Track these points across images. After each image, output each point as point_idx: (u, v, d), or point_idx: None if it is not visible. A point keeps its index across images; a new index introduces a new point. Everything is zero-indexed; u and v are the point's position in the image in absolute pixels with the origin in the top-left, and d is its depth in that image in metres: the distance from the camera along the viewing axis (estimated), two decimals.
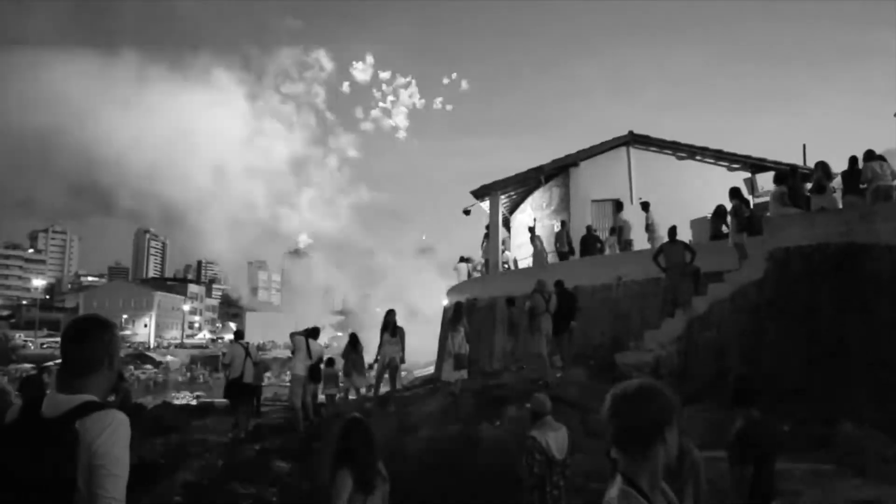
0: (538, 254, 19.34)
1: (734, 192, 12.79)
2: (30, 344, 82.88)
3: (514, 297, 15.08)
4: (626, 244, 17.33)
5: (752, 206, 14.18)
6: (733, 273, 11.55)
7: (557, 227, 19.83)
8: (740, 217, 12.11)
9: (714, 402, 8.56)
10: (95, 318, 2.37)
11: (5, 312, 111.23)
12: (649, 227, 16.28)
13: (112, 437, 2.06)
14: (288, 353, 13.51)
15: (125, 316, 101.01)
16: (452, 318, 12.44)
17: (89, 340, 2.26)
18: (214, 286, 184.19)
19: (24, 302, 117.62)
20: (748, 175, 19.54)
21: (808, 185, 12.10)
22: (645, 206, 16.75)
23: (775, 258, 10.73)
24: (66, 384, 2.19)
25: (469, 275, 24.69)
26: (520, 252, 23.26)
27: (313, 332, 12.57)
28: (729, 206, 12.75)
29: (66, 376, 2.22)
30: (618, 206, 18.37)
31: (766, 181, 16.95)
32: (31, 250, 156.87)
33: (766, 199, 14.41)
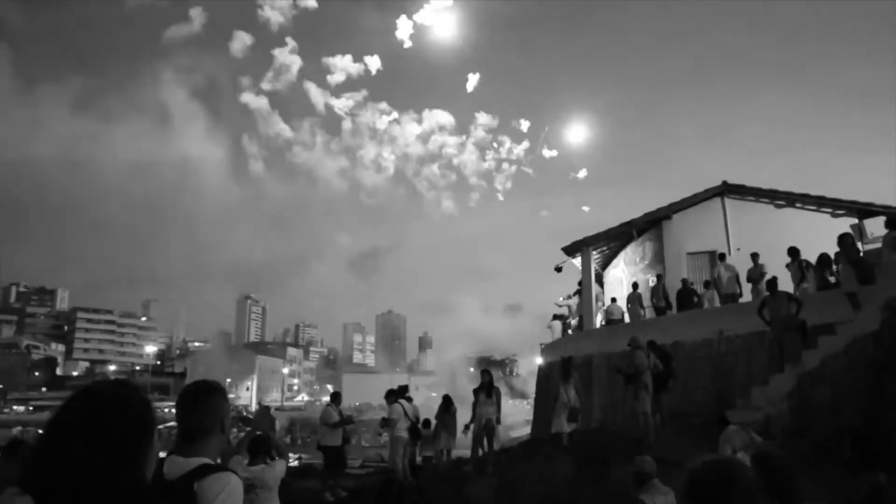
0: (632, 309, 18.95)
1: (843, 239, 12.20)
2: None
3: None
4: (727, 297, 16.67)
5: (861, 254, 13.43)
6: (846, 325, 10.93)
7: (653, 281, 19.39)
8: (851, 266, 11.52)
9: (832, 465, 8.03)
10: (208, 385, 2.50)
11: (121, 378, 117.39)
12: (753, 279, 15.57)
13: (228, 500, 2.19)
14: (383, 415, 13.64)
15: (228, 379, 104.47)
16: (563, 371, 12.82)
17: (203, 406, 2.41)
18: (312, 349, 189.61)
19: (137, 367, 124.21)
20: (855, 221, 18.59)
21: None
22: (754, 256, 15.87)
23: (892, 308, 10.10)
24: (184, 447, 2.33)
25: (563, 332, 24.36)
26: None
27: (403, 393, 12.69)
28: (834, 254, 12.17)
29: (183, 440, 2.37)
30: (719, 257, 17.70)
31: (875, 226, 16.06)
32: (143, 318, 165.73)
33: (877, 245, 13.65)
